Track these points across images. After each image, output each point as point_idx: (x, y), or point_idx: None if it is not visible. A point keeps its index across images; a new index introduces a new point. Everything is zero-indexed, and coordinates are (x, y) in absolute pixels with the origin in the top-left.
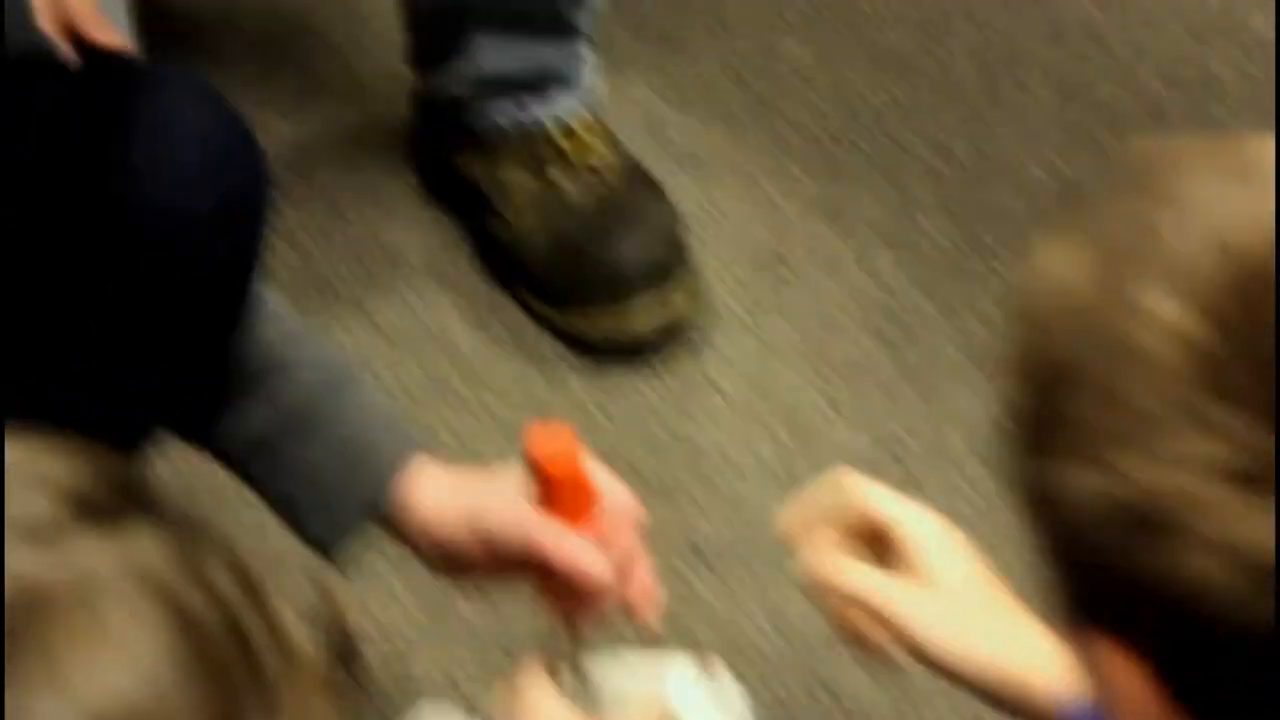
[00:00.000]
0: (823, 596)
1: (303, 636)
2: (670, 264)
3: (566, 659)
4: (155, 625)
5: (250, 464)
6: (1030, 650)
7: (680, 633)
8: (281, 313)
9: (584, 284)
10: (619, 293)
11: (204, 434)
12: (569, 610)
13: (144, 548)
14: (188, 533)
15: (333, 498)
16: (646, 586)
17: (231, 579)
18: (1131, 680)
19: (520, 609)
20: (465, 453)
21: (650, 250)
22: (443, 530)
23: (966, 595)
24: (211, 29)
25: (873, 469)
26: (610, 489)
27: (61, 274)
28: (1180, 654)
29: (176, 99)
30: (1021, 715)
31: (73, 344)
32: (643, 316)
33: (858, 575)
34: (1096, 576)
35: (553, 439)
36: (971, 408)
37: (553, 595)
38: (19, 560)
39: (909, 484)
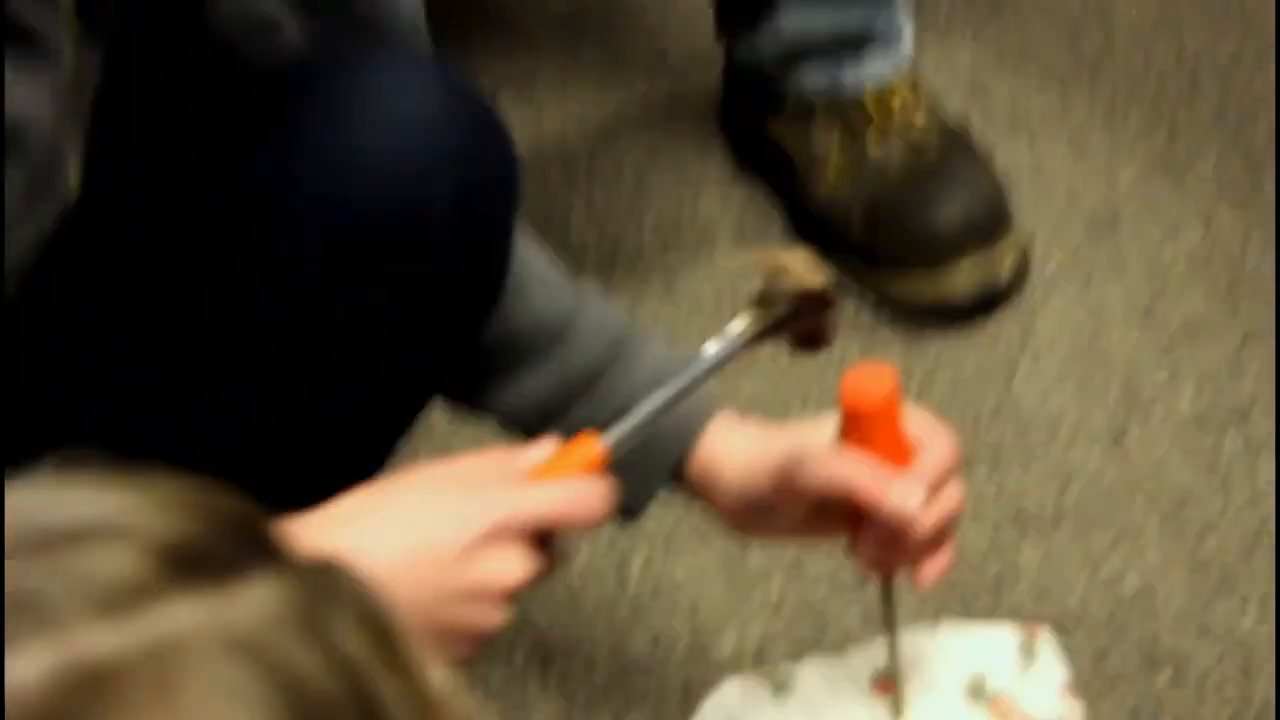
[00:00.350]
0: None
1: (448, 687)
2: (992, 226)
3: (885, 626)
4: (246, 694)
5: (538, 432)
6: None
7: (1005, 605)
8: (557, 279)
9: (902, 247)
10: (938, 256)
11: (478, 407)
12: (885, 567)
13: (248, 604)
14: (316, 584)
15: (631, 461)
16: (946, 552)
17: (362, 637)
18: None
19: (834, 584)
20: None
21: (970, 213)
22: (752, 484)
23: None
24: (517, 6)
25: (1215, 432)
26: (931, 432)
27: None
28: None
29: (406, 85)
30: None
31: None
32: (963, 279)
33: None
34: None
35: (872, 380)
36: None
37: (869, 549)
38: (87, 635)
39: (1252, 452)
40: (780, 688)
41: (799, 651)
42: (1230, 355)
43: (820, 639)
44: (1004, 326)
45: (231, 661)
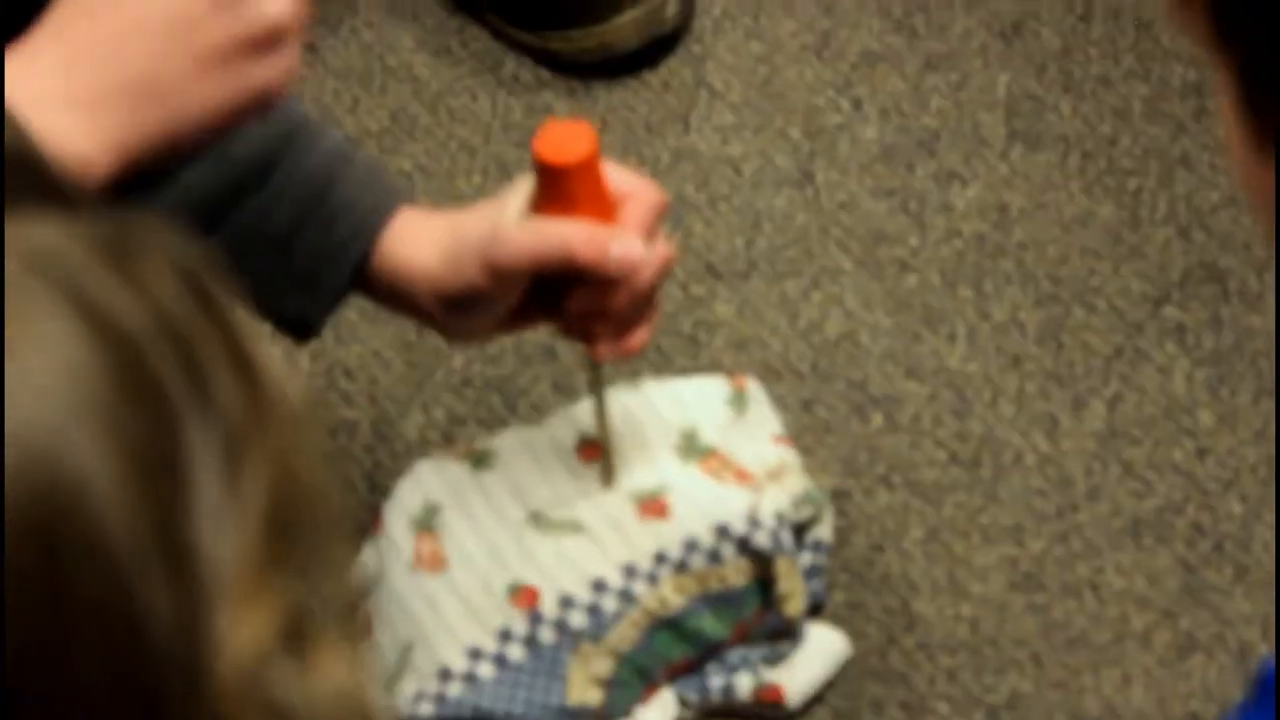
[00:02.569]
0: None
1: (278, 371)
2: None
3: (591, 392)
4: (46, 315)
5: (210, 226)
6: None
7: (703, 361)
8: None
9: (562, 3)
10: (601, 9)
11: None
12: (595, 332)
13: (46, 232)
14: (122, 226)
15: (308, 266)
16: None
17: (177, 286)
18: None
19: (520, 356)
20: (444, 194)
21: None
22: (447, 276)
23: None
24: None
25: (904, 165)
26: (634, 185)
27: None
28: None
29: None
30: None
31: None
32: (629, 31)
33: None
34: None
35: (568, 137)
36: (1008, 91)
37: (581, 308)
38: None
39: (945, 176)
40: (480, 462)
41: (490, 429)
42: (911, 85)
43: (511, 415)
44: (674, 72)
45: (31, 281)
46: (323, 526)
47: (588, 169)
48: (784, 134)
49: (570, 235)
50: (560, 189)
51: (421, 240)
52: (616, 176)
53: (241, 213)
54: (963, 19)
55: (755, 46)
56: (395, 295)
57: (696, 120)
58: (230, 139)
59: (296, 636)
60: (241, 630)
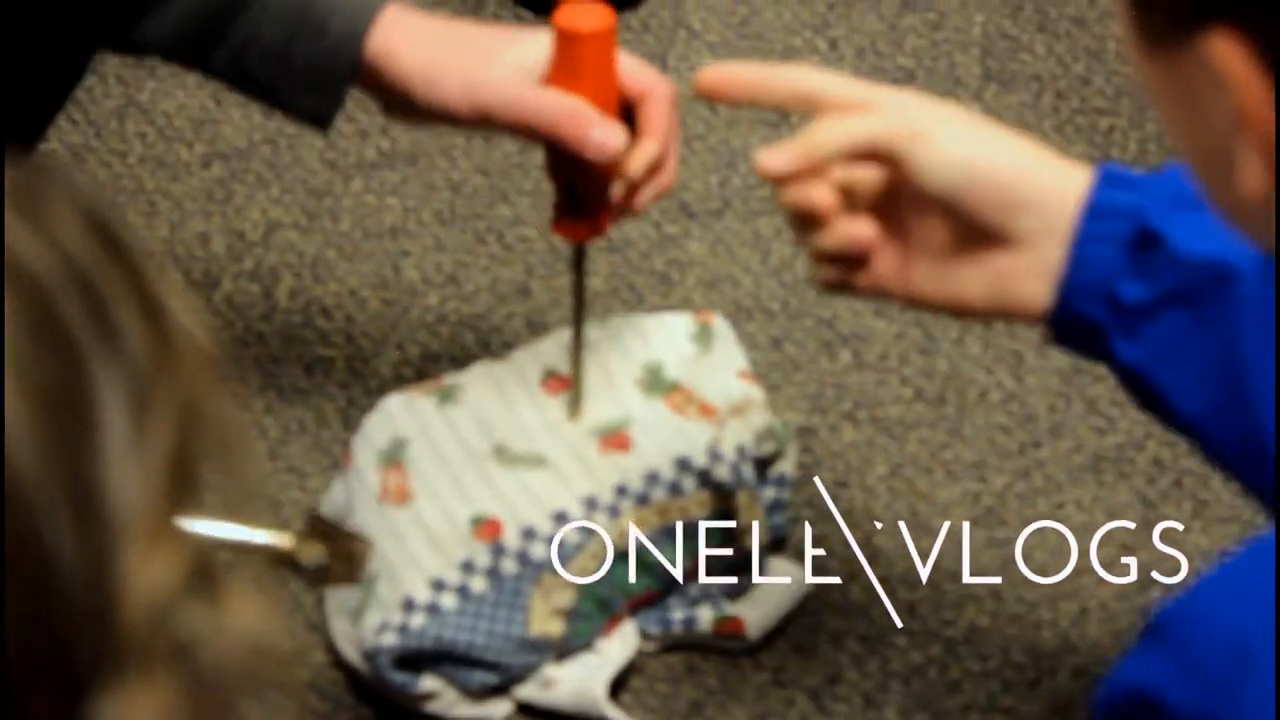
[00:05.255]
0: (810, 228)
1: (187, 316)
2: None
3: (574, 315)
4: None
5: (202, 61)
6: (1049, 162)
7: (675, 299)
8: None
9: None
10: None
11: (140, 49)
12: (584, 225)
13: None
14: (30, 171)
15: (307, 74)
16: (669, 178)
17: (87, 234)
18: (1246, 68)
19: (495, 295)
20: (423, 140)
21: None
22: (433, 92)
23: (974, 126)
24: None
25: None
26: (645, 79)
27: None
28: None
29: None
30: (1025, 240)
31: None
32: None
33: (852, 124)
34: None
35: (586, 15)
36: (982, 32)
37: (559, 174)
38: None
39: None
40: (446, 397)
41: (464, 366)
42: (889, 24)
43: (485, 351)
44: (654, 13)
45: None
46: (234, 470)
47: (598, 43)
48: None
49: (558, 109)
50: (569, 59)
51: (413, 42)
52: (631, 67)
53: (233, 34)
54: None
55: None
56: (378, 92)
57: (674, 60)
58: None
59: (205, 577)
60: (149, 570)
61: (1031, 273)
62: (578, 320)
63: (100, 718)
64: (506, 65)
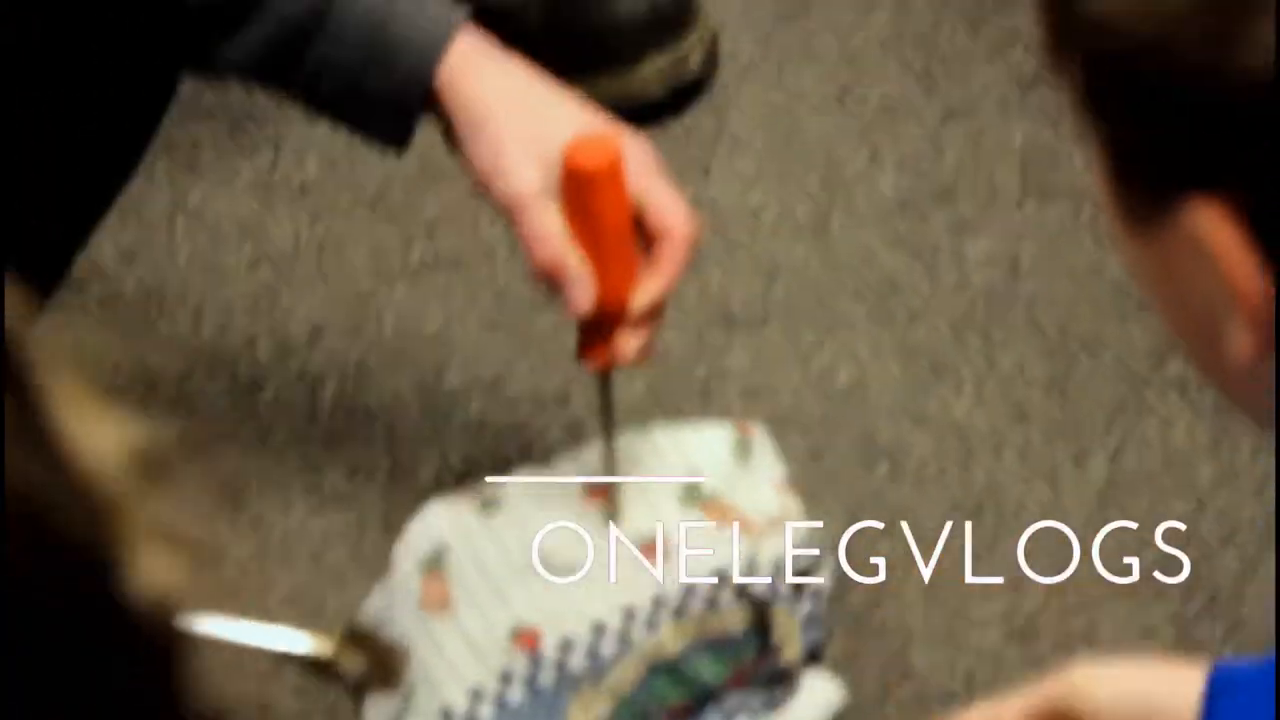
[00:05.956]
0: None
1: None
2: (678, 18)
3: (602, 428)
4: None
5: (280, 84)
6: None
7: (715, 408)
8: None
9: (585, 48)
10: (624, 54)
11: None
12: (603, 357)
13: None
14: None
15: (378, 105)
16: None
17: None
18: (1230, 239)
19: (535, 402)
20: (468, 239)
21: (654, 5)
22: (469, 154)
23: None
24: None
25: (919, 216)
26: (668, 216)
27: None
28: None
29: None
30: None
31: None
32: (652, 77)
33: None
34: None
35: (596, 147)
36: (1024, 143)
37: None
38: None
39: (961, 229)
40: (488, 504)
41: (505, 473)
42: (930, 135)
43: (526, 458)
44: (698, 120)
45: None
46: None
47: (602, 181)
48: (803, 184)
49: (543, 251)
50: (574, 194)
51: (474, 89)
52: (661, 203)
53: (309, 59)
54: (982, 71)
55: (777, 96)
56: (443, 120)
57: (718, 168)
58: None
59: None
60: None
61: None
62: (608, 442)
63: None
64: (540, 159)
